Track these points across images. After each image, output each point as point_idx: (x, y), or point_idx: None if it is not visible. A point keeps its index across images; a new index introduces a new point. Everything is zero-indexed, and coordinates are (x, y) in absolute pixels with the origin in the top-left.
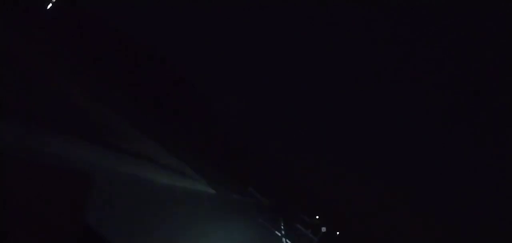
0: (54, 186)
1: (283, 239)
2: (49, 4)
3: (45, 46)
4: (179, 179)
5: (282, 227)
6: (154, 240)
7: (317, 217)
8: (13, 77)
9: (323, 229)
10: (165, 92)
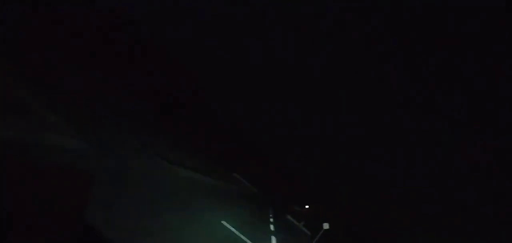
0: (54, 186)
1: (272, 228)
2: None
3: (44, 42)
4: (171, 168)
5: (271, 217)
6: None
7: (307, 207)
8: (13, 75)
9: (325, 226)
10: (153, 80)
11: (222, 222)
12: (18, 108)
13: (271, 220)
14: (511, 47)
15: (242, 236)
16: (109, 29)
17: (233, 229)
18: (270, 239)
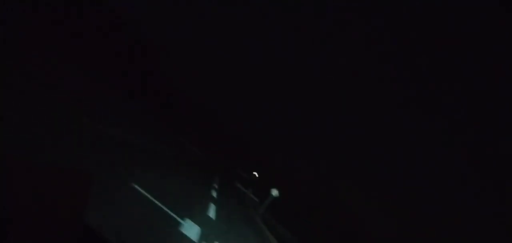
0: (54, 186)
1: (214, 195)
2: None
3: (44, 42)
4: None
5: (216, 184)
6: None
7: (255, 174)
8: (13, 75)
9: (274, 193)
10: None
11: (134, 185)
12: (17, 108)
13: (215, 186)
14: (511, 47)
15: (155, 201)
16: (109, 29)
17: (144, 193)
18: (208, 206)
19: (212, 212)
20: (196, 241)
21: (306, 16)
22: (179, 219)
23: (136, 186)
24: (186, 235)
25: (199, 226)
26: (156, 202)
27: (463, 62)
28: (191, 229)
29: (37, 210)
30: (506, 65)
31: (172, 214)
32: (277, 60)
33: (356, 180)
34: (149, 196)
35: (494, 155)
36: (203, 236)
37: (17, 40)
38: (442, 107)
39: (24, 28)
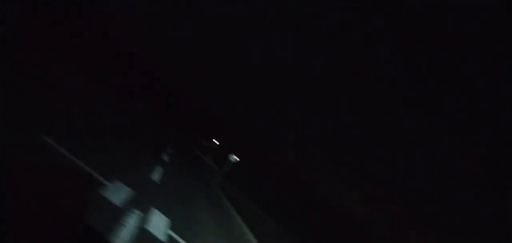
0: (54, 186)
1: (165, 159)
2: None
3: (44, 42)
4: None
5: (169, 148)
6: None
7: (215, 141)
8: (13, 75)
9: (233, 159)
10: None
11: (45, 138)
12: (18, 108)
13: (169, 151)
14: (511, 47)
15: (72, 158)
16: (109, 29)
17: (60, 149)
18: (154, 170)
19: (156, 176)
20: (119, 205)
21: (306, 16)
22: (103, 180)
23: (50, 140)
24: (106, 198)
25: (133, 189)
26: (74, 159)
27: (463, 62)
28: (116, 192)
29: (37, 210)
30: (506, 65)
31: (94, 174)
32: (277, 60)
33: (356, 180)
34: (64, 152)
35: (494, 155)
36: (135, 200)
37: (17, 40)
38: (442, 107)
39: (24, 28)
